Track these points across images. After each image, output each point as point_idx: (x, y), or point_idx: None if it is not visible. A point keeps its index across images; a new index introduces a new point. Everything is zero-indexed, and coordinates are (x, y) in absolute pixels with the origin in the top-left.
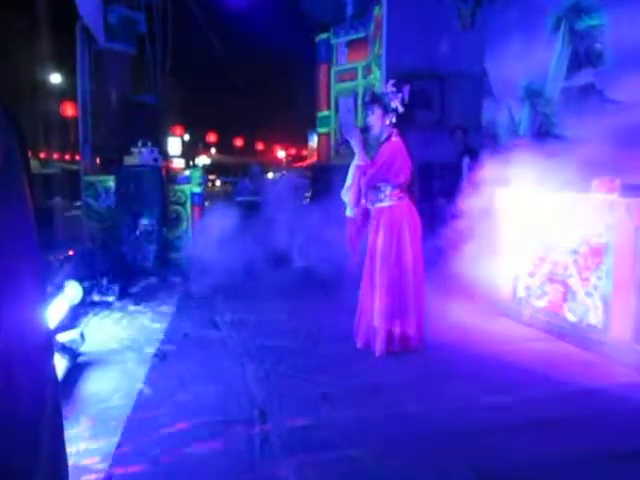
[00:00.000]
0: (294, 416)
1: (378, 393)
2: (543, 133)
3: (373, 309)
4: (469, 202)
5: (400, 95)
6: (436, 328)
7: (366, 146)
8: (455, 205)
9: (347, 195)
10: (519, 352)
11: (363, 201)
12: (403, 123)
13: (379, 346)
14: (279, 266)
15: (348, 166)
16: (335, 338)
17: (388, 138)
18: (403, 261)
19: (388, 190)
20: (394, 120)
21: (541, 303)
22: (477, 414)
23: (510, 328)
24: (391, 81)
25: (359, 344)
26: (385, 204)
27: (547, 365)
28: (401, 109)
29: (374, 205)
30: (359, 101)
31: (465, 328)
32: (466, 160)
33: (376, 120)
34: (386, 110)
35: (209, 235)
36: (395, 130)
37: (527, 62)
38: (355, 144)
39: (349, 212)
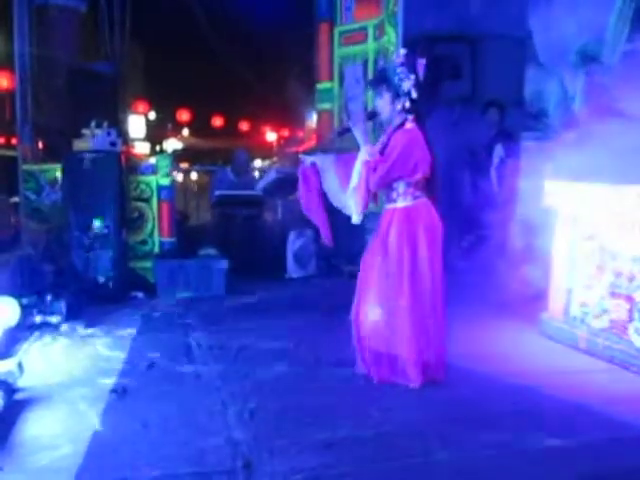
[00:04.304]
0: (287, 469)
1: (394, 440)
2: (602, 109)
3: (392, 333)
4: (505, 198)
5: (413, 77)
6: (466, 355)
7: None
8: (491, 202)
9: (353, 197)
10: (572, 386)
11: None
12: (425, 100)
13: (413, 376)
14: (269, 278)
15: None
16: (339, 368)
17: (401, 125)
18: (420, 274)
19: (401, 187)
20: (407, 105)
21: (601, 323)
22: (520, 462)
23: (560, 355)
24: (402, 52)
25: (376, 377)
26: (398, 205)
27: (609, 403)
28: (415, 94)
29: (385, 206)
30: (369, 69)
31: (502, 355)
32: (499, 148)
33: (385, 105)
34: (397, 94)
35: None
36: (410, 115)
37: (582, 19)
38: (359, 135)
39: (355, 219)
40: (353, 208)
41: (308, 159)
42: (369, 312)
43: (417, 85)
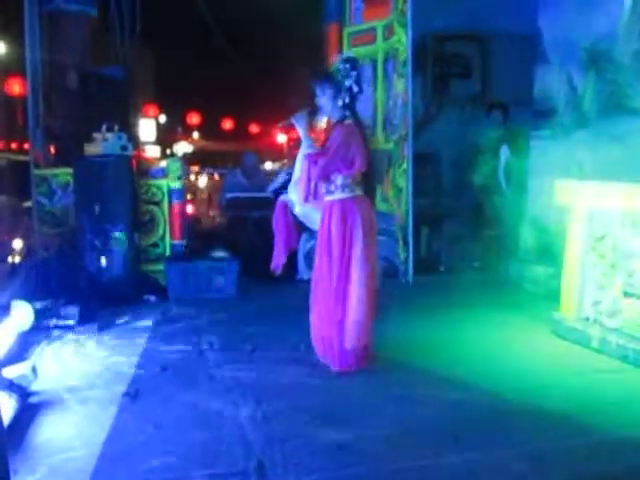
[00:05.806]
0: (301, 470)
1: (407, 440)
2: (613, 107)
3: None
4: (514, 197)
5: (355, 74)
6: (477, 355)
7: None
8: (500, 201)
9: (295, 190)
10: (585, 385)
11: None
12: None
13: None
14: (280, 280)
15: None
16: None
17: (340, 121)
18: (359, 261)
19: (339, 180)
20: (347, 100)
21: (614, 323)
22: (533, 462)
23: (573, 355)
24: (344, 54)
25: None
26: (336, 197)
27: (623, 402)
28: (356, 88)
29: (324, 198)
30: (379, 70)
31: (514, 355)
32: (504, 148)
33: (327, 102)
34: (339, 89)
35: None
36: (348, 112)
37: (592, 17)
38: (301, 129)
39: (298, 209)
40: (295, 199)
41: (283, 197)
42: (324, 303)
43: (358, 82)
